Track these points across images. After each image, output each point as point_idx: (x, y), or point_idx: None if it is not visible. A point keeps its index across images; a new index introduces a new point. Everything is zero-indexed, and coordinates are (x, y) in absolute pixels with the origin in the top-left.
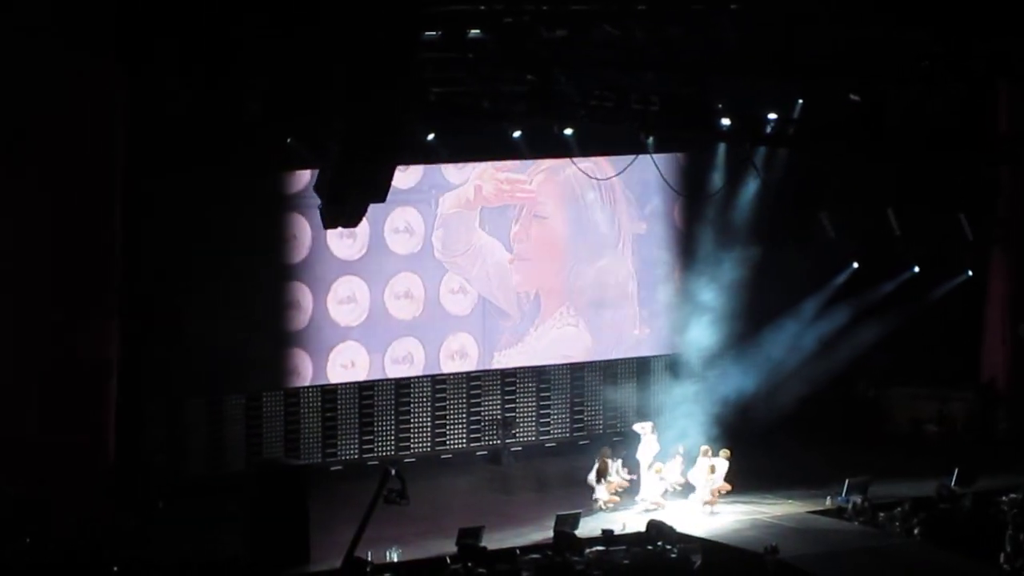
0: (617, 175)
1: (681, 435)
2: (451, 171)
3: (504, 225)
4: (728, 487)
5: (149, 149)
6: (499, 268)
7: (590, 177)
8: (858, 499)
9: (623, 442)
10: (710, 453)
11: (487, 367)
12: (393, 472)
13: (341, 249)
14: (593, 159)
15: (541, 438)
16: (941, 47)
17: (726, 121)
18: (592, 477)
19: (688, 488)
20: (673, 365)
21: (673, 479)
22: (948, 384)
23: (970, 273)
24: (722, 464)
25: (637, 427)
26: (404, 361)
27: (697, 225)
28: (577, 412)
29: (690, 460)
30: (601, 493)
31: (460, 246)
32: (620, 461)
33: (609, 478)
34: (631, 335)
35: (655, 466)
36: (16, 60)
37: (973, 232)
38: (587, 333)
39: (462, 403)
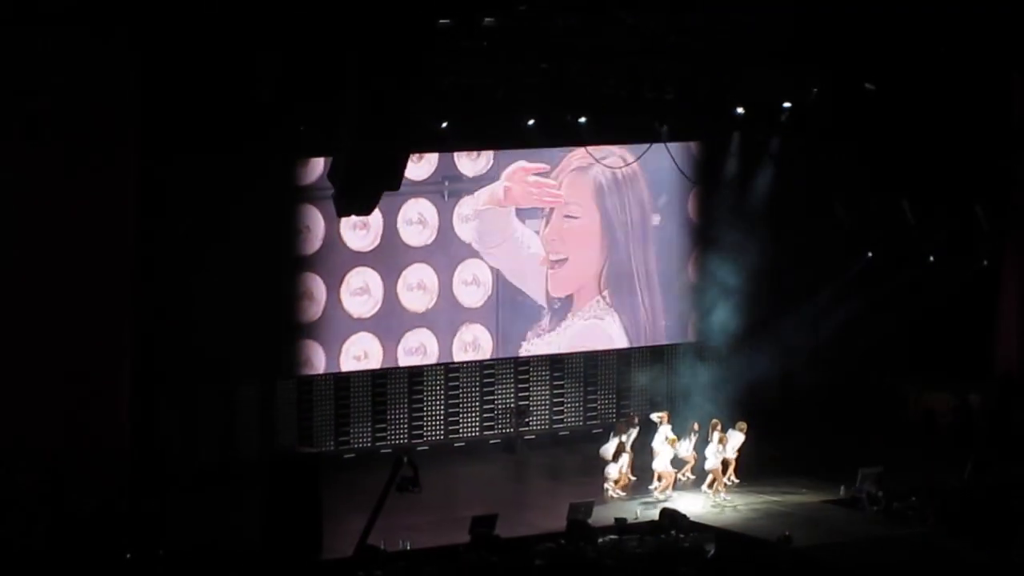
0: (632, 163)
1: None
2: (465, 163)
3: (535, 225)
4: (732, 461)
5: (163, 139)
6: (532, 261)
7: (612, 169)
8: (872, 489)
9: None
10: (720, 427)
11: (503, 357)
12: (406, 460)
13: (354, 240)
14: (607, 148)
15: (555, 427)
16: (957, 37)
17: (741, 110)
18: (608, 450)
19: (701, 478)
20: (687, 353)
21: (685, 453)
22: (963, 374)
23: (985, 263)
24: (737, 437)
25: (653, 416)
26: (417, 352)
27: (712, 214)
28: (591, 400)
29: (704, 438)
30: (612, 471)
31: (496, 238)
32: (635, 431)
33: (621, 465)
34: (647, 323)
35: (669, 438)
36: (26, 46)
37: (988, 222)
38: (611, 324)
39: (475, 391)
